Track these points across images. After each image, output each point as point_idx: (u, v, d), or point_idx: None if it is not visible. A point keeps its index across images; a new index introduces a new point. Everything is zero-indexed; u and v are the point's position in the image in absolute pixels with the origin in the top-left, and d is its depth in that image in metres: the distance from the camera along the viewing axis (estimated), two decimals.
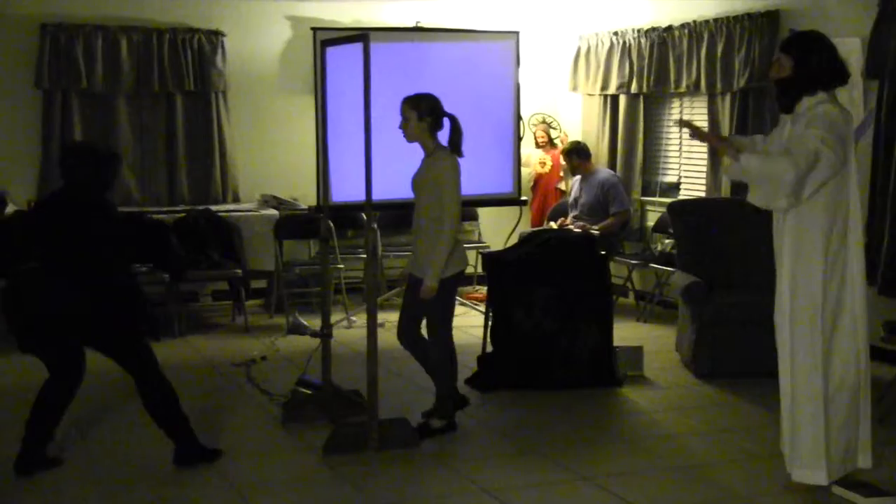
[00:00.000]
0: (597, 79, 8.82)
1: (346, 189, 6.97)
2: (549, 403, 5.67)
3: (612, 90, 8.66)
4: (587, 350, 5.97)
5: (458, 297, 7.30)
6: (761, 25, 7.11)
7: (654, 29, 8.21)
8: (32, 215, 4.74)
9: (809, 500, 4.21)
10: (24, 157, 7.99)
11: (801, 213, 4.14)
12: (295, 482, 4.51)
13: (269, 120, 8.66)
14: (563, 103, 9.43)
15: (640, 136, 8.56)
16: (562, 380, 5.90)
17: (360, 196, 4.82)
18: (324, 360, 5.30)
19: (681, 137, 8.35)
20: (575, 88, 9.14)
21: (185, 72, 8.24)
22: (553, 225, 8.36)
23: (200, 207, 8.01)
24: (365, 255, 5.48)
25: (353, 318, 7.74)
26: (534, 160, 9.11)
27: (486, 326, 6.16)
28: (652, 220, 8.46)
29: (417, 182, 5.02)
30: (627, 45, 8.48)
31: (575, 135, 9.11)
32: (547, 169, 9.07)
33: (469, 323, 7.50)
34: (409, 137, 4.98)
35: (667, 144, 8.54)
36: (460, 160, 4.96)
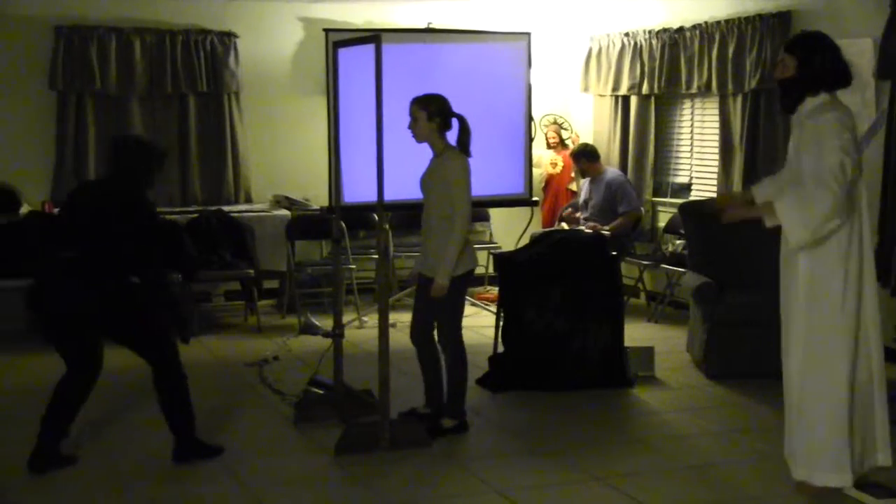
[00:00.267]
0: (608, 80, 8.81)
1: (358, 189, 7.00)
2: (559, 404, 5.68)
3: (623, 91, 8.65)
4: (598, 350, 5.97)
5: (469, 298, 7.33)
6: (773, 26, 7.10)
7: (665, 30, 8.20)
8: (73, 195, 4.69)
9: (821, 502, 4.20)
10: (38, 159, 8.03)
11: None
12: (306, 482, 4.52)
13: (281, 121, 8.69)
14: (575, 104, 9.43)
15: (652, 136, 8.55)
16: (573, 380, 5.91)
17: (371, 196, 4.84)
18: (335, 359, 5.31)
19: (692, 138, 8.35)
20: (586, 89, 9.14)
21: (198, 73, 8.27)
22: (564, 226, 8.36)
23: (213, 208, 8.03)
24: (377, 256, 5.50)
25: (365, 319, 7.76)
26: (545, 161, 9.11)
27: (497, 327, 6.17)
28: (663, 220, 8.45)
29: (427, 182, 5.04)
30: (639, 45, 8.47)
31: (586, 136, 9.11)
32: (558, 170, 9.07)
33: (480, 323, 7.51)
34: (419, 138, 5.00)
35: (678, 145, 8.54)
36: (470, 160, 4.97)
